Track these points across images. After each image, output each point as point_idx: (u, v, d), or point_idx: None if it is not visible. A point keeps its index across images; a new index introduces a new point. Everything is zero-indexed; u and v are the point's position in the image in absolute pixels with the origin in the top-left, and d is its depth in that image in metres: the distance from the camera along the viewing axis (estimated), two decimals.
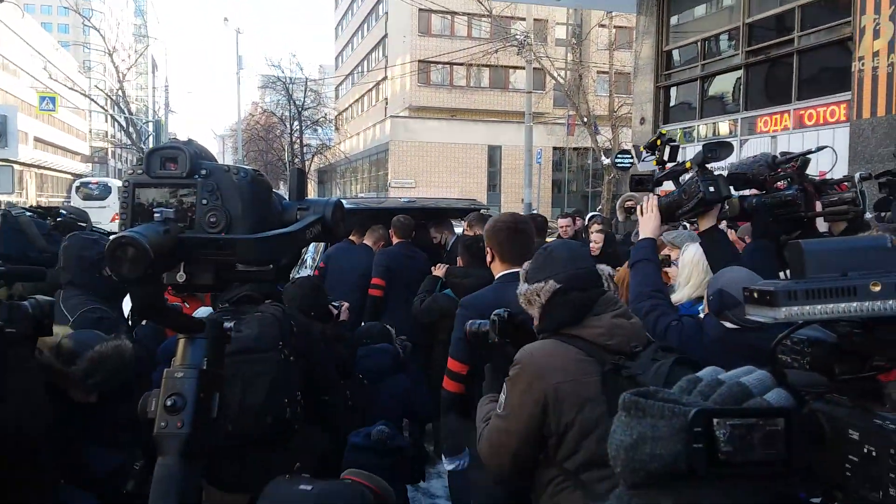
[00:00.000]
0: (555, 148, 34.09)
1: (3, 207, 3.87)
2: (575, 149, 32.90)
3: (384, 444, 2.69)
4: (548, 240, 5.71)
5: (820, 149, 3.01)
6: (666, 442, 0.93)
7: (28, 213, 3.74)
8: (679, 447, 0.92)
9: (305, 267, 6.48)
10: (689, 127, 14.04)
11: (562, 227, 7.62)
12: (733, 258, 2.68)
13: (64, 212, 4.16)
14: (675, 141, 2.97)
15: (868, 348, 0.99)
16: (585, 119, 25.12)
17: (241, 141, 36.41)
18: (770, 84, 12.43)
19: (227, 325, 1.28)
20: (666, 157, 2.93)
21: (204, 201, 1.11)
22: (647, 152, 3.08)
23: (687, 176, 2.83)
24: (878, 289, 0.90)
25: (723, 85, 13.60)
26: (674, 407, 0.93)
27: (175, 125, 48.31)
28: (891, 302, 0.90)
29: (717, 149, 2.73)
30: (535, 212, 18.47)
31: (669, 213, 2.80)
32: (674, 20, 14.54)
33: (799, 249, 0.96)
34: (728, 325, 2.43)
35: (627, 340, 2.05)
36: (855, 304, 0.92)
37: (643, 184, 2.96)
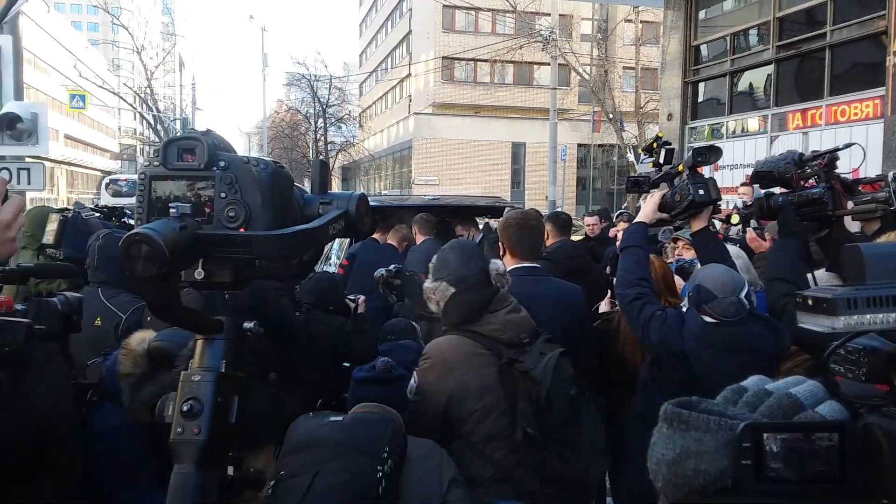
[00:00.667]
0: (580, 145, 33.80)
1: (73, 209, 3.93)
2: (600, 145, 32.61)
3: (389, 373, 2.71)
4: (573, 238, 5.63)
5: (848, 145, 2.96)
6: (711, 457, 0.87)
7: (96, 215, 3.80)
8: (725, 463, 0.86)
9: (329, 264, 6.47)
10: (718, 123, 13.81)
11: (588, 225, 7.51)
12: (723, 259, 2.77)
13: (129, 212, 4.24)
14: (670, 144, 3.09)
15: None
16: (611, 115, 24.85)
17: (266, 139, 36.66)
18: (801, 79, 12.18)
19: (247, 325, 1.24)
20: (662, 160, 3.03)
21: (222, 195, 1.06)
22: (644, 155, 3.21)
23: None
24: None
25: (753, 80, 13.35)
26: (720, 420, 0.87)
27: (202, 123, 48.85)
28: None
29: (707, 153, 2.85)
30: (559, 209, 18.34)
31: (664, 210, 2.94)
32: (702, 14, 14.31)
33: (858, 253, 0.89)
34: (707, 318, 2.51)
35: (517, 333, 2.38)
36: None
37: (639, 185, 3.14)
